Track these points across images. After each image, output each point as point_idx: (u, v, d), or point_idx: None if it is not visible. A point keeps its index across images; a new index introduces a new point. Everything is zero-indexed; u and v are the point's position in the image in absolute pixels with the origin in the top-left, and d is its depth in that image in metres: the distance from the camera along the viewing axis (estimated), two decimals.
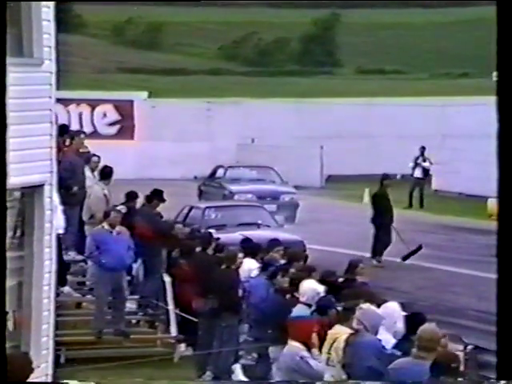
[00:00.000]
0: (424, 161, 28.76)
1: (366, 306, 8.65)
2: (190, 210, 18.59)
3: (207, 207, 18.64)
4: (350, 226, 21.89)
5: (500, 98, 5.49)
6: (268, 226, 17.79)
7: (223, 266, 12.27)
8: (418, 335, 7.54)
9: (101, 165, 15.02)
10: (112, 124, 34.13)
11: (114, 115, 34.13)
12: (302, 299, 10.13)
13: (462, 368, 7.10)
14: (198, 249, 13.44)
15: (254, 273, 12.02)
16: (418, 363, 7.35)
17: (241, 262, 12.43)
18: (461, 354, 8.88)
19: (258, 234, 16.01)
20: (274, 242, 13.09)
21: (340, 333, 8.64)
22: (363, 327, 8.42)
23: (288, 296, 10.48)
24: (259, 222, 17.90)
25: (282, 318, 9.76)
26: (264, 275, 11.62)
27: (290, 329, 8.74)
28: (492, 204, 26.22)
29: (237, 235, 15.79)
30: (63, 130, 14.81)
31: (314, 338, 8.61)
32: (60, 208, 12.20)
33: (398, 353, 8.21)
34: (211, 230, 15.28)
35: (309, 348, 8.60)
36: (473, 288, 16.88)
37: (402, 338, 8.46)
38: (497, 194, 5.60)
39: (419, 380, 7.11)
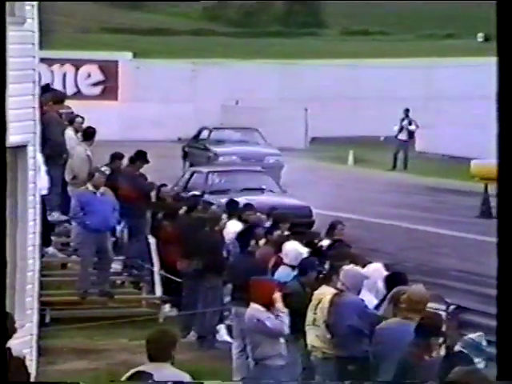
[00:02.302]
0: (409, 123, 28.77)
1: (348, 266, 8.72)
2: (192, 175, 18.41)
3: (210, 172, 18.42)
4: (335, 187, 21.93)
5: (500, 60, 5.46)
6: (272, 192, 17.68)
7: (207, 228, 12.29)
8: (407, 296, 7.61)
9: (84, 125, 14.95)
10: (96, 84, 33.90)
11: (98, 76, 33.90)
12: (285, 260, 10.20)
13: (444, 328, 7.16)
14: (182, 210, 13.45)
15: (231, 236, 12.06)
16: (404, 324, 7.42)
17: (225, 224, 12.46)
18: (443, 314, 8.97)
19: (262, 199, 15.98)
20: (247, 206, 13.16)
21: (325, 293, 8.72)
22: (346, 287, 8.49)
23: (271, 258, 10.53)
24: (263, 187, 17.78)
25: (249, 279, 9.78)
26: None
27: (251, 290, 8.83)
28: (475, 165, 26.31)
29: (242, 200, 15.69)
30: (45, 90, 14.69)
31: (277, 295, 8.69)
32: (43, 169, 12.15)
33: (379, 312, 8.28)
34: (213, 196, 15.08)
35: (269, 308, 8.65)
36: (456, 249, 17.01)
37: (384, 298, 8.53)
38: (497, 157, 5.60)
39: (404, 340, 7.19)
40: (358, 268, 8.84)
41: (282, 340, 8.88)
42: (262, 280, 9.09)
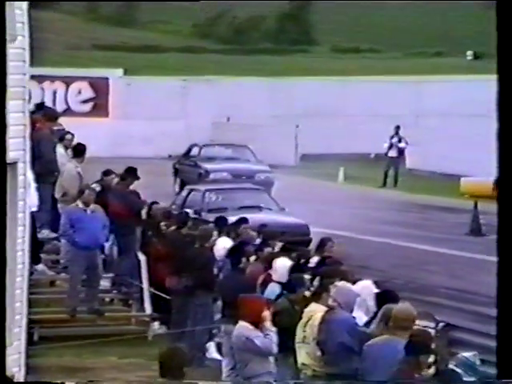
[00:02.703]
0: (399, 140, 28.85)
1: (340, 283, 8.71)
2: (189, 193, 18.22)
3: (207, 190, 18.24)
4: (325, 204, 21.95)
5: (500, 79, 5.50)
6: (270, 209, 17.55)
7: (197, 245, 12.28)
8: (393, 314, 7.60)
9: (74, 142, 14.94)
10: (86, 101, 33.93)
11: (88, 92, 33.92)
12: (274, 277, 10.19)
13: (433, 345, 7.16)
14: (172, 227, 13.44)
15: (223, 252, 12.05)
16: (390, 341, 7.42)
17: (215, 241, 12.45)
18: (432, 332, 8.97)
19: (260, 217, 15.80)
20: (242, 220, 13.15)
21: (315, 311, 8.70)
22: (338, 305, 8.48)
23: (261, 275, 10.52)
24: (261, 205, 17.61)
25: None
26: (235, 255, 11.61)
27: (240, 307, 8.79)
28: (465, 183, 26.39)
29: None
30: (39, 108, 14.70)
31: (265, 313, 8.66)
32: (33, 186, 12.14)
33: (369, 330, 8.28)
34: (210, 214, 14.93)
35: (257, 326, 8.62)
36: (445, 266, 17.02)
37: (374, 316, 8.52)
38: (496, 176, 5.63)
39: (389, 357, 7.19)
40: (351, 285, 8.83)
41: (271, 358, 8.85)
42: (250, 297, 9.05)
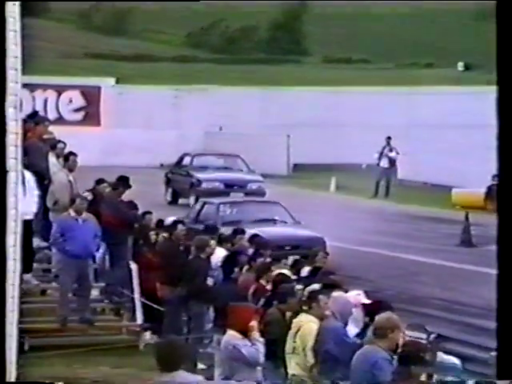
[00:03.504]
0: (390, 151, 28.91)
1: (337, 293, 8.70)
2: (202, 206, 17.97)
3: (221, 203, 18.01)
4: (316, 214, 21.96)
5: (500, 91, 5.53)
6: (285, 223, 17.33)
7: (193, 254, 12.26)
8: (374, 322, 7.64)
9: (66, 151, 14.93)
10: (78, 110, 33.90)
11: (80, 101, 33.90)
12: (267, 287, 10.19)
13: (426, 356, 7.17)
14: (165, 237, 13.41)
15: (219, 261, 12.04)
16: (367, 349, 7.45)
17: (211, 251, 12.43)
18: (424, 343, 8.98)
19: (275, 231, 15.73)
20: (238, 231, 13.14)
21: (304, 321, 8.70)
22: (332, 314, 8.48)
23: (253, 285, 10.52)
24: (276, 218, 17.40)
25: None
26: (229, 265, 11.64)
27: (229, 316, 8.78)
28: (456, 194, 26.45)
29: (253, 232, 15.40)
30: (32, 117, 14.68)
31: (253, 323, 8.65)
32: (36, 193, 12.12)
33: (360, 341, 8.28)
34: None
35: (246, 335, 8.61)
36: (437, 277, 17.03)
37: (364, 327, 8.53)
38: (497, 187, 5.66)
39: (365, 365, 7.24)
40: (348, 296, 8.82)
41: (258, 368, 8.83)
42: (239, 306, 9.02)
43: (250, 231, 15.47)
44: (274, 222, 17.24)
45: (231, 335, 8.70)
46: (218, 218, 17.16)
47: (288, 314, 9.28)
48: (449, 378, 7.07)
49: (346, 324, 8.60)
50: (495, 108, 5.78)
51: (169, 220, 13.96)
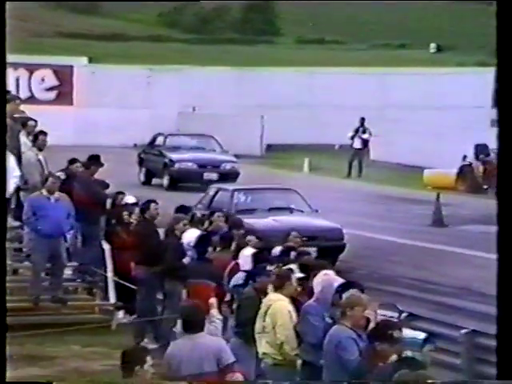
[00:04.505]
0: (364, 132, 29.00)
1: (321, 274, 8.68)
2: (216, 193, 17.05)
3: (236, 190, 17.05)
4: None
5: (499, 73, 5.55)
6: (301, 211, 16.47)
7: (166, 234, 12.24)
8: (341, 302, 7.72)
9: (37, 130, 14.81)
10: (50, 89, 33.66)
11: (52, 80, 33.65)
12: (241, 267, 10.23)
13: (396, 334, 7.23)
14: (136, 216, 13.38)
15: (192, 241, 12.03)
16: (333, 329, 7.52)
17: (183, 230, 12.41)
18: (394, 321, 9.05)
19: (290, 220, 15.13)
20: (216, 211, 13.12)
21: (273, 300, 8.74)
22: (316, 296, 8.52)
23: (228, 264, 10.54)
24: (292, 206, 16.59)
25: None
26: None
27: (190, 293, 8.78)
28: (428, 174, 26.60)
29: (269, 220, 15.07)
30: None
31: (212, 300, 8.65)
32: (16, 174, 12.06)
33: (330, 320, 8.34)
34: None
35: (206, 312, 8.61)
36: (409, 257, 17.16)
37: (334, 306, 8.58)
38: (497, 165, 5.71)
39: (331, 343, 7.33)
40: (332, 278, 8.80)
41: None
42: (198, 283, 9.01)
43: (265, 220, 15.12)
44: (289, 210, 16.49)
45: None
46: (232, 205, 16.36)
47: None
48: (409, 353, 7.13)
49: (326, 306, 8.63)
50: (492, 90, 5.84)
51: (131, 199, 13.86)
